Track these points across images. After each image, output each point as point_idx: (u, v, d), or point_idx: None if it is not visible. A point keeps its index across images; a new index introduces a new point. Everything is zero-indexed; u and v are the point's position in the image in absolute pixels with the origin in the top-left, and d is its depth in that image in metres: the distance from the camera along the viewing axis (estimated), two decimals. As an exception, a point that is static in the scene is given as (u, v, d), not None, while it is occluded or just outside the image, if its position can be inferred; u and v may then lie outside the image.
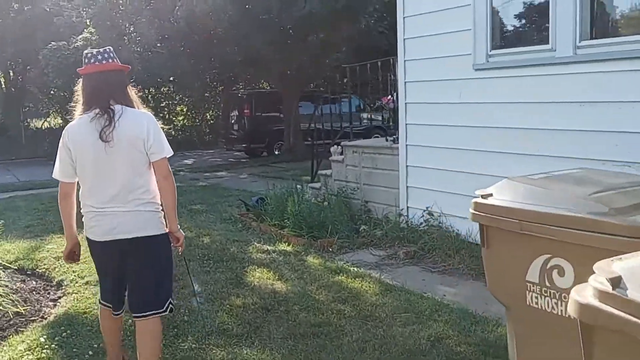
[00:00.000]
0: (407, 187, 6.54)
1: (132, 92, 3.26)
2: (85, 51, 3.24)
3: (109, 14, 15.43)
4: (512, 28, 5.56)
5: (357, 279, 5.11)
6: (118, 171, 3.04)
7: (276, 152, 18.63)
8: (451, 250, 5.67)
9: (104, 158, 3.02)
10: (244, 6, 14.10)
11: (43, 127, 25.62)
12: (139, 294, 3.19)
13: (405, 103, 6.45)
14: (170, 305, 3.23)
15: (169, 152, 3.12)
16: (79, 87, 3.18)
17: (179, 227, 3.24)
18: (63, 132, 3.15)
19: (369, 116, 21.62)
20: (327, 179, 8.05)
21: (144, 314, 3.15)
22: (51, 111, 24.35)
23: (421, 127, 6.30)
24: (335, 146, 8.06)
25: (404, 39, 6.38)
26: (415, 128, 6.37)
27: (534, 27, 5.41)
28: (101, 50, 3.18)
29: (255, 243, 6.46)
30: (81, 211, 3.17)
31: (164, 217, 3.19)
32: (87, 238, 3.18)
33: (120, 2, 16.34)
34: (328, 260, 5.77)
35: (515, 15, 5.46)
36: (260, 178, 12.88)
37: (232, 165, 16.81)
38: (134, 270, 3.17)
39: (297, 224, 6.63)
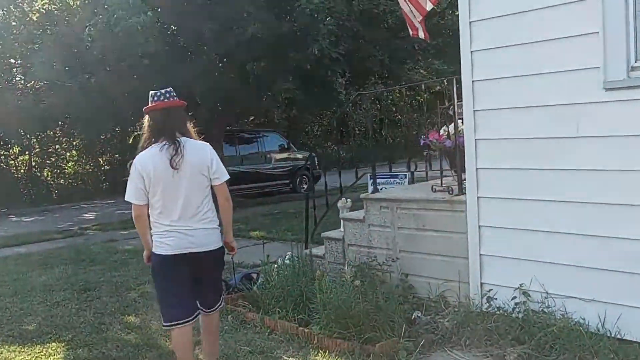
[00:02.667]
0: (480, 255, 4.80)
1: (190, 125, 3.93)
2: (152, 92, 3.85)
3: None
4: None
5: None
6: (187, 193, 3.72)
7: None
8: (585, 351, 3.93)
9: (174, 183, 3.69)
10: (166, 32, 12.04)
11: None
12: (212, 294, 4.00)
13: (476, 140, 4.75)
14: (223, 297, 4.17)
15: (227, 176, 3.88)
16: (145, 122, 3.86)
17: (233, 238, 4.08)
18: (135, 160, 3.74)
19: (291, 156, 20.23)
20: (334, 244, 6.12)
21: (214, 308, 4.01)
22: None
23: (503, 172, 4.62)
24: (345, 199, 6.17)
25: (472, 52, 4.70)
26: (493, 174, 4.67)
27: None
28: (164, 90, 3.83)
29: (283, 356, 4.39)
30: (151, 231, 3.80)
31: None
32: (156, 254, 3.76)
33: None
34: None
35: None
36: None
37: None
38: (207, 277, 3.92)
39: (328, 316, 4.64)
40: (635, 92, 3.89)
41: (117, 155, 25.79)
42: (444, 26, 13.01)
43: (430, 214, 5.19)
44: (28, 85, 14.06)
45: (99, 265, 8.40)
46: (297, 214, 13.55)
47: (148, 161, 3.68)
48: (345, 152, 33.70)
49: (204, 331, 4.08)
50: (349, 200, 6.21)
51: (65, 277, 7.65)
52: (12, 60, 17.22)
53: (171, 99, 3.81)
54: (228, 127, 15.96)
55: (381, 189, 6.76)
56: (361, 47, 12.21)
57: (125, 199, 3.73)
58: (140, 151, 3.77)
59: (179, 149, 3.65)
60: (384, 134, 38.30)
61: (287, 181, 19.49)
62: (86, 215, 17.25)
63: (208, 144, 3.90)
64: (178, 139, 3.70)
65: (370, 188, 6.77)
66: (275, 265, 6.06)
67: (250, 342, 4.78)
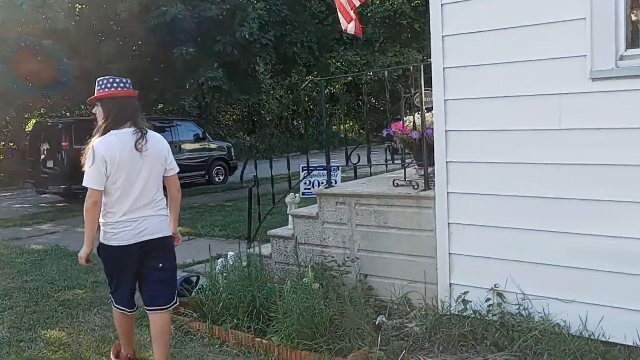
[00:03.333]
0: (449, 254, 4.52)
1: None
2: (104, 78, 3.89)
3: None
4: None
5: None
6: (147, 180, 3.75)
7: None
8: (570, 356, 3.76)
9: (137, 169, 3.70)
10: (76, 11, 11.04)
11: None
12: (165, 288, 3.86)
13: (446, 131, 4.45)
14: (178, 297, 4.03)
15: (178, 169, 3.99)
16: (99, 109, 3.83)
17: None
18: (95, 145, 3.67)
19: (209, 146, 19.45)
20: (283, 243, 5.67)
21: (166, 307, 3.85)
22: None
23: (476, 166, 4.34)
24: (293, 194, 5.72)
25: (443, 36, 4.38)
26: (465, 168, 4.39)
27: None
28: (122, 78, 3.92)
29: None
30: (101, 221, 3.74)
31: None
32: (107, 245, 3.74)
33: None
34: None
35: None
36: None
37: (55, 214, 13.19)
38: (155, 267, 3.82)
39: (289, 325, 4.20)
40: (624, 82, 3.70)
41: (11, 144, 23.95)
42: (372, 17, 12.75)
43: (393, 211, 4.85)
44: None
45: (6, 269, 7.48)
46: (219, 207, 12.95)
47: (113, 146, 3.66)
48: (257, 141, 33.25)
49: (154, 336, 3.90)
50: (297, 195, 5.77)
51: (-37, 284, 6.73)
52: None
53: (129, 88, 3.88)
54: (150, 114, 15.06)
55: (312, 183, 6.39)
56: (290, 33, 11.73)
57: (84, 185, 3.64)
58: (98, 137, 3.74)
59: (144, 135, 3.71)
60: (296, 123, 38.12)
61: (203, 172, 18.73)
62: (-22, 210, 15.76)
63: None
64: (141, 126, 3.78)
65: (309, 180, 6.38)
66: (218, 267, 5.55)
67: (200, 356, 4.27)
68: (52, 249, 8.66)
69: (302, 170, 6.71)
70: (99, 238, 3.79)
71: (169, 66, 11.92)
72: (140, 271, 3.83)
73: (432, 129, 4.61)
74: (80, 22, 11.30)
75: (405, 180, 4.96)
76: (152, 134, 3.81)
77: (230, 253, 5.78)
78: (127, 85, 3.87)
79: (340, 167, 6.84)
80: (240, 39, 10.72)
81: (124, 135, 3.69)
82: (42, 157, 15.00)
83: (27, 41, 11.15)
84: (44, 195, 15.74)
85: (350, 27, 6.33)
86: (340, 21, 6.38)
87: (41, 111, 22.08)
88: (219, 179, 19.11)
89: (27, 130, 23.54)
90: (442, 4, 4.38)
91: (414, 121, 4.77)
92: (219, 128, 31.14)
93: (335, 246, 5.26)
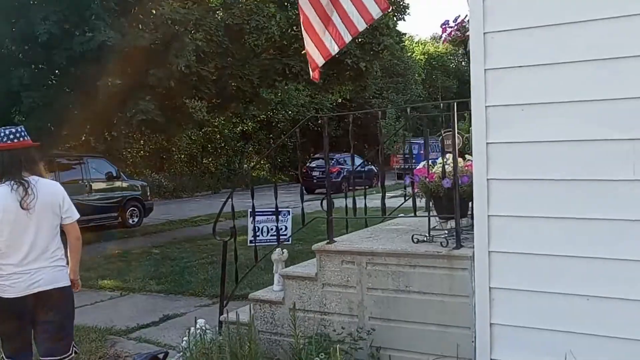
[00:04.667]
0: (490, 324, 3.83)
1: (41, 164, 3.95)
2: None
3: None
4: None
5: None
6: (37, 233, 3.69)
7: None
8: None
9: (24, 223, 3.66)
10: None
11: None
12: (55, 341, 3.76)
13: (488, 180, 3.79)
14: (75, 348, 3.94)
15: (78, 215, 3.93)
16: None
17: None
18: None
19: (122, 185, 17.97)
20: (268, 309, 4.77)
21: (59, 357, 3.77)
22: None
23: (527, 221, 3.71)
24: (280, 250, 4.86)
25: (486, 70, 3.75)
26: (512, 224, 3.76)
27: None
28: (9, 130, 3.80)
29: None
30: None
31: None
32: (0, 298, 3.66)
33: None
34: None
35: None
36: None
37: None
38: (47, 321, 3.72)
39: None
40: None
41: None
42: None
43: (417, 272, 4.12)
44: None
45: None
46: (144, 254, 11.67)
47: None
48: (166, 180, 31.67)
49: None
50: (285, 251, 4.90)
51: None
52: None
53: (19, 140, 3.82)
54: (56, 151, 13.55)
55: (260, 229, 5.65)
56: (231, 66, 10.88)
57: None
58: None
59: (29, 189, 3.68)
60: (204, 162, 36.82)
61: (116, 214, 17.23)
62: None
63: (58, 182, 4.06)
64: (26, 178, 3.72)
65: (257, 227, 5.62)
66: (184, 342, 4.63)
67: None
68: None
69: (250, 216, 5.91)
70: None
71: (92, 97, 10.71)
72: (35, 323, 3.77)
73: (467, 176, 3.96)
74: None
75: (427, 236, 4.25)
76: (42, 184, 3.77)
77: (201, 321, 4.84)
78: (16, 136, 3.80)
79: (290, 212, 6.13)
80: (177, 71, 9.76)
81: (7, 190, 3.66)
82: None
83: None
84: None
85: (312, 74, 5.87)
86: (310, 69, 5.85)
87: None
88: (133, 221, 17.66)
89: None
90: (484, 33, 3.77)
91: (443, 167, 4.08)
92: (126, 165, 29.36)
93: (339, 313, 4.44)
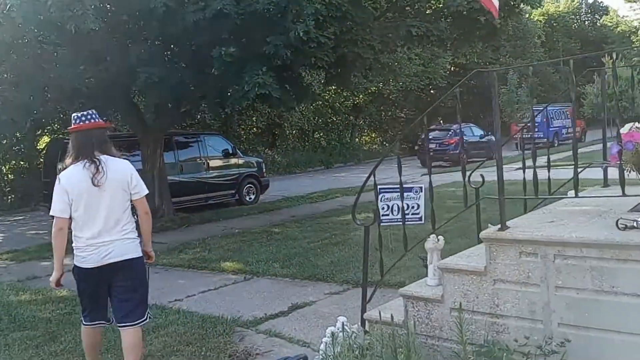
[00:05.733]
0: None
1: (111, 144, 4.30)
2: (74, 114, 4.25)
3: None
4: None
5: None
6: (108, 208, 4.04)
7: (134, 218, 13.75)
8: None
9: (96, 198, 4.01)
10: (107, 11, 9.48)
11: None
12: (133, 306, 4.12)
13: None
14: (149, 313, 4.31)
15: (146, 191, 4.24)
16: (70, 141, 4.27)
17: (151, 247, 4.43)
18: (60, 176, 4.09)
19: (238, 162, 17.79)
20: (423, 307, 3.98)
21: (135, 322, 4.12)
22: None
23: None
24: (435, 237, 4.04)
25: None
26: None
27: None
28: (86, 112, 4.22)
29: None
30: (73, 245, 4.13)
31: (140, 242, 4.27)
32: (78, 267, 4.11)
33: None
34: None
35: None
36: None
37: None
38: (121, 285, 4.11)
39: None
40: None
41: (22, 163, 22.46)
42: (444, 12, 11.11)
43: (627, 268, 3.15)
44: None
45: (24, 331, 5.84)
46: (265, 234, 11.21)
47: (72, 178, 4.06)
48: (280, 156, 31.61)
49: (125, 352, 4.16)
50: (441, 238, 4.07)
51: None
52: None
53: (92, 121, 4.19)
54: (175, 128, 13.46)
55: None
56: (351, 30, 10.09)
57: (50, 213, 4.04)
58: (66, 167, 4.14)
59: (99, 167, 4.02)
60: (316, 136, 36.44)
61: (233, 191, 17.10)
62: (-12, 238, 14.14)
63: (127, 161, 4.33)
64: (98, 157, 4.07)
65: (386, 205, 4.84)
66: (323, 344, 3.99)
67: None
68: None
69: (380, 193, 5.10)
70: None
71: (207, 71, 10.31)
72: (110, 290, 4.13)
73: None
74: (109, 22, 9.74)
75: (638, 220, 3.26)
76: (112, 162, 4.12)
77: (342, 319, 4.14)
78: (90, 117, 4.19)
79: (423, 188, 5.26)
80: (294, 38, 9.07)
81: (80, 168, 4.03)
82: (58, 177, 13.55)
83: (50, 44, 9.61)
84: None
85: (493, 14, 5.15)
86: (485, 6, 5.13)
87: (55, 127, 20.53)
88: (249, 199, 17.49)
89: (39, 147, 22.05)
90: None
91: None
92: (239, 142, 29.53)
93: (516, 317, 3.56)
